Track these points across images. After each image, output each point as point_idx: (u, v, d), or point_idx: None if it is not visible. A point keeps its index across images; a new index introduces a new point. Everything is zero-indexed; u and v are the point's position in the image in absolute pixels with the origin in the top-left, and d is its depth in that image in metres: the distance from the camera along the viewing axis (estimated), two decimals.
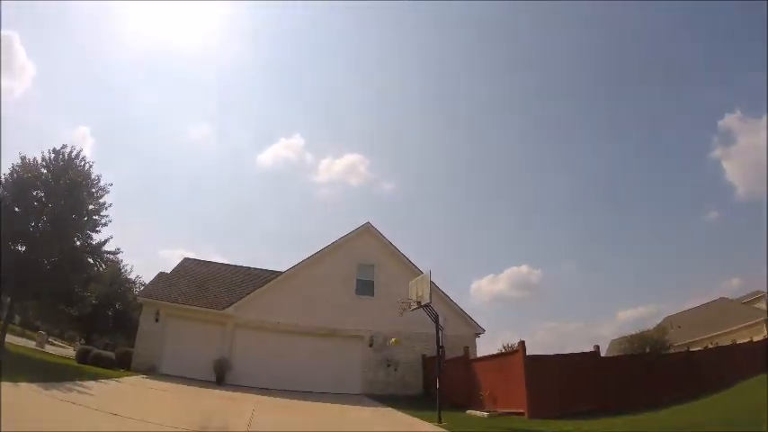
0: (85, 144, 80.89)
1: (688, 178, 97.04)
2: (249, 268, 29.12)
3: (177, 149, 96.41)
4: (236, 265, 29.64)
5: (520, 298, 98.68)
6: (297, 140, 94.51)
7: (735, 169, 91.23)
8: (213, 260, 31.32)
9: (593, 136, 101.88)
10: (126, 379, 16.75)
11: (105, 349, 26.14)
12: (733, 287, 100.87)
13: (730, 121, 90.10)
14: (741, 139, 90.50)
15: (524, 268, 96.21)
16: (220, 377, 20.38)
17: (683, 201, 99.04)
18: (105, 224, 21.92)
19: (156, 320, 21.94)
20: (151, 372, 20.02)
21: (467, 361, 19.16)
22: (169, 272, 26.92)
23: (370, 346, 23.65)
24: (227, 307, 22.40)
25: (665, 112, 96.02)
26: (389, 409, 16.62)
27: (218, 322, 22.42)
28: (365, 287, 24.97)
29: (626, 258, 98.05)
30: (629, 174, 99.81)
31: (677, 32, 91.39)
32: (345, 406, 16.82)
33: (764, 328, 46.57)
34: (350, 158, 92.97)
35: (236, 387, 19.12)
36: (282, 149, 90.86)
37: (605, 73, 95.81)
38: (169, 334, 21.96)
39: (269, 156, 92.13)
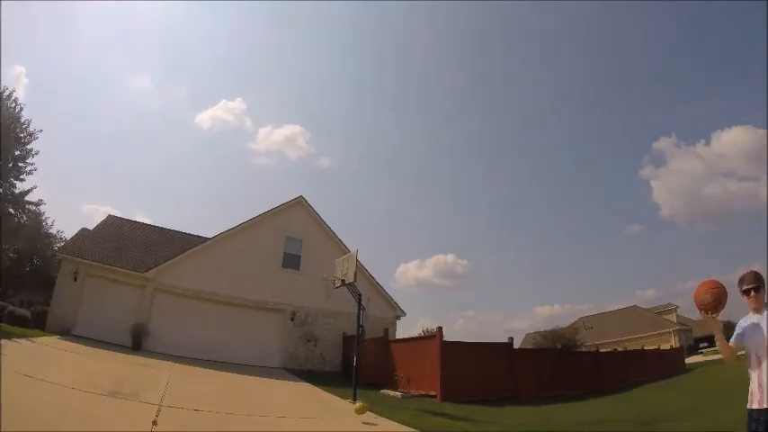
0: (19, 84, 76.32)
1: (619, 192, 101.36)
2: (175, 232, 28.27)
3: (114, 100, 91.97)
4: (162, 228, 28.71)
5: (444, 286, 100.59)
6: (238, 104, 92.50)
7: (662, 190, 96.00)
8: (139, 220, 30.19)
9: (537, 136, 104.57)
10: (40, 339, 16.13)
11: (21, 307, 25.21)
12: (647, 297, 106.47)
13: (665, 143, 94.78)
14: (672, 163, 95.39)
15: (451, 257, 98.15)
16: (137, 343, 19.80)
17: (612, 212, 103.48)
18: (30, 172, 21.13)
19: (75, 279, 20.96)
20: (66, 333, 19.21)
21: (386, 342, 19.47)
22: (92, 228, 25.89)
23: (292, 320, 23.57)
24: (149, 270, 21.62)
25: (608, 126, 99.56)
26: (306, 384, 16.75)
27: (139, 285, 21.52)
28: (292, 261, 24.76)
29: (550, 258, 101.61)
30: (565, 179, 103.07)
31: (633, 54, 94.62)
32: (263, 379, 16.82)
33: (672, 338, 49.37)
34: (290, 129, 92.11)
35: (153, 354, 18.62)
36: (223, 112, 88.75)
37: (558, 84, 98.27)
38: (87, 294, 20.93)
39: (208, 116, 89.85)
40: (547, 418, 12.99)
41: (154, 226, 28.93)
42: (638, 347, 34.70)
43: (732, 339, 4.10)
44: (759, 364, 3.76)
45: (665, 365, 31.71)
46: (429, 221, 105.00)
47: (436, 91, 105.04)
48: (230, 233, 24.27)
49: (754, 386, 3.78)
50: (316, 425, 9.54)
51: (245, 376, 16.78)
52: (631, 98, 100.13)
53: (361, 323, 14.64)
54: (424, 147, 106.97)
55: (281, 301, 23.66)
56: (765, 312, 3.93)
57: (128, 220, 28.87)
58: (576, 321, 52.34)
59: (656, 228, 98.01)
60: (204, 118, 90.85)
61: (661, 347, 39.39)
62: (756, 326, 3.90)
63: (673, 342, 48.49)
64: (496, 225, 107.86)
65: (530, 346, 33.37)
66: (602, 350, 27.30)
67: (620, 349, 30.99)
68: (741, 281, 4.13)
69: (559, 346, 27.51)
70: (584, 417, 13.52)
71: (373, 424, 9.42)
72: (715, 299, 4.10)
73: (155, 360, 16.88)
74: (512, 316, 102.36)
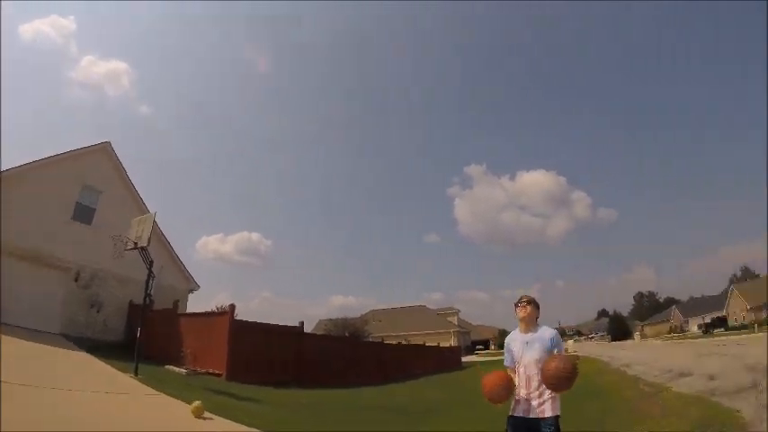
0: None
1: (427, 202, 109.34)
2: None
3: None
4: None
5: (245, 263, 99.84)
6: (69, 23, 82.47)
7: (462, 209, 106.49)
8: None
9: (370, 135, 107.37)
10: None
11: None
12: (435, 299, 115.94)
13: (473, 170, 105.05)
14: (476, 188, 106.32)
15: (256, 236, 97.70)
16: None
17: (417, 219, 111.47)
18: None
19: None
20: None
21: (175, 315, 18.55)
22: None
23: (76, 281, 20.65)
24: None
25: (434, 141, 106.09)
26: (85, 353, 15.30)
27: None
28: (84, 213, 21.38)
29: (353, 252, 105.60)
30: (383, 181, 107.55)
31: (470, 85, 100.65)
32: (38, 345, 15.06)
33: (452, 338, 53.64)
34: (117, 65, 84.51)
35: None
36: (49, 27, 78.55)
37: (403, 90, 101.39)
38: None
39: (32, 29, 78.80)
40: (328, 401, 13.33)
41: None
42: (421, 343, 36.68)
43: (506, 364, 4.40)
44: (528, 378, 4.02)
45: (443, 361, 34.17)
46: (239, 197, 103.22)
47: (274, 61, 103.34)
48: (19, 170, 19.73)
49: (520, 396, 4.03)
50: (91, 399, 8.77)
51: (21, 341, 14.85)
52: (460, 123, 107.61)
53: (149, 292, 13.70)
54: (247, 124, 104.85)
55: (67, 258, 20.37)
56: (539, 331, 4.24)
57: None
58: (367, 313, 54.41)
59: (451, 239, 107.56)
60: (28, 29, 79.07)
61: (441, 345, 42.23)
62: (528, 344, 4.17)
63: (452, 341, 52.61)
64: (308, 212, 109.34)
65: (321, 332, 33.95)
66: (387, 342, 28.56)
67: (404, 343, 32.59)
68: (519, 299, 4.43)
69: (347, 335, 28.34)
70: (363, 402, 14.17)
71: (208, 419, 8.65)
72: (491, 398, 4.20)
73: None
74: (308, 302, 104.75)
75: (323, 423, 9.74)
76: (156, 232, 15.62)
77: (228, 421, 8.45)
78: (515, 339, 4.33)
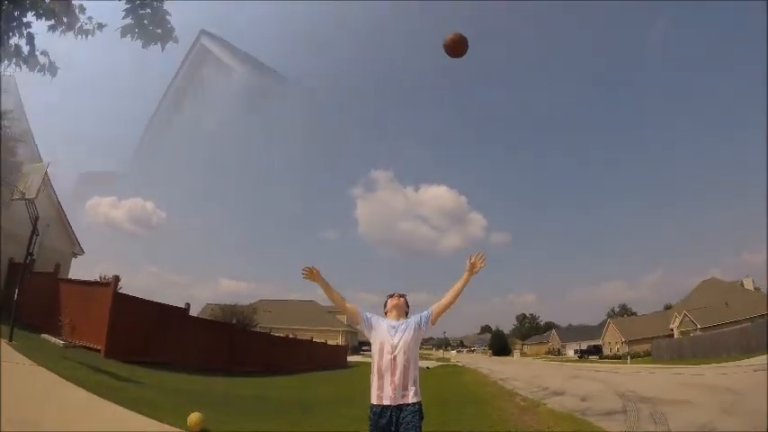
0: None
1: (330, 200, 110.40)
2: None
3: None
4: None
5: (134, 233, 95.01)
6: None
7: (364, 210, 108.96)
8: None
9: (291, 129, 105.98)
10: None
11: None
12: (326, 297, 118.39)
13: (380, 175, 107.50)
14: (380, 193, 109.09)
15: (150, 205, 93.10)
16: None
17: (316, 215, 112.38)
18: None
19: None
20: None
21: (56, 280, 16.91)
22: None
23: None
24: None
25: (344, 140, 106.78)
26: None
27: None
28: None
29: (251, 236, 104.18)
30: (291, 169, 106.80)
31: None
32: None
33: (340, 337, 54.02)
34: None
35: None
36: None
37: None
38: None
39: None
40: (211, 389, 12.97)
41: None
42: (309, 338, 36.50)
43: (363, 315, 4.34)
44: (395, 365, 3.92)
45: (329, 358, 34.25)
46: (142, 157, 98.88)
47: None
48: None
49: (385, 383, 3.92)
50: None
51: None
52: (375, 125, 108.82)
53: (31, 251, 12.67)
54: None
55: None
56: (410, 320, 4.25)
57: None
58: (256, 302, 53.45)
59: (350, 239, 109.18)
60: None
61: (328, 342, 42.25)
62: (398, 328, 4.12)
63: (340, 340, 52.89)
64: (210, 190, 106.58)
65: (207, 317, 33.03)
66: (275, 334, 28.21)
67: (292, 336, 32.28)
68: (394, 293, 4.58)
69: (234, 322, 27.82)
70: (246, 392, 13.88)
71: None
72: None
73: None
74: (197, 283, 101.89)
75: (204, 411, 9.42)
76: (47, 185, 14.14)
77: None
78: (383, 322, 4.28)
